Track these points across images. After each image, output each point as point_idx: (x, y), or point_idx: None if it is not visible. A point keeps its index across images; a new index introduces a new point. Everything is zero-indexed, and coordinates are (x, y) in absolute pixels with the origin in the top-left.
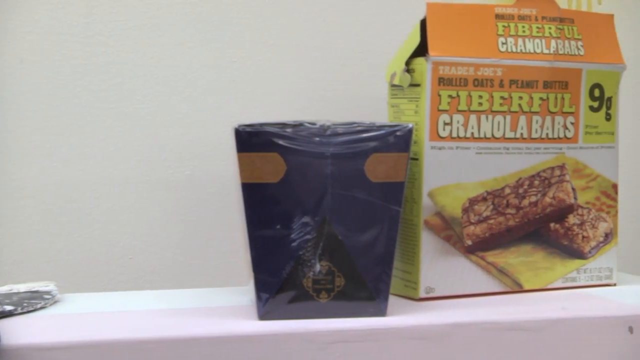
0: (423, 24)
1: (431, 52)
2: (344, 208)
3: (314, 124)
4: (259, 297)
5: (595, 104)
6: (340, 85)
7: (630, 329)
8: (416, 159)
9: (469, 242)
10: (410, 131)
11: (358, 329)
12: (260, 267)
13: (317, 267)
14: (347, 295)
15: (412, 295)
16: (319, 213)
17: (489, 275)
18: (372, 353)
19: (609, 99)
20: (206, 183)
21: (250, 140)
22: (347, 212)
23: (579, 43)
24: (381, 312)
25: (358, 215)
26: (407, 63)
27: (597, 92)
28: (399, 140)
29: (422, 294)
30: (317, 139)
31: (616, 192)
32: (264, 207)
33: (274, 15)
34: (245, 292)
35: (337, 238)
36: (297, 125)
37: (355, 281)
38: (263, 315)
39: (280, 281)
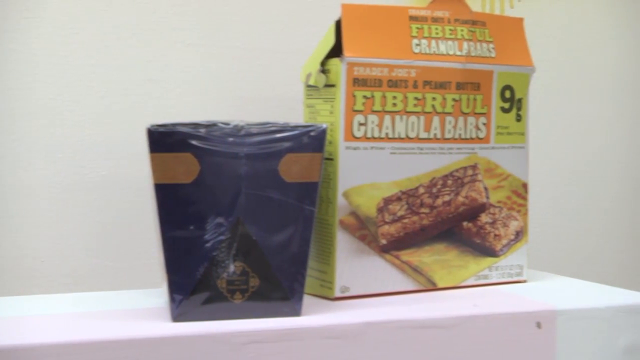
0: (338, 24)
1: (346, 53)
2: (258, 208)
3: (227, 124)
4: (172, 299)
5: (506, 105)
6: (256, 86)
7: (538, 324)
8: (331, 159)
9: (384, 242)
10: (324, 131)
11: (272, 329)
12: (174, 268)
13: (231, 267)
14: (262, 296)
15: (327, 295)
16: (233, 213)
17: (404, 274)
18: (287, 353)
19: (519, 100)
20: (122, 184)
21: (163, 140)
22: (262, 212)
23: (490, 45)
24: (296, 312)
25: (272, 215)
26: (323, 64)
27: (507, 94)
28: (313, 141)
29: (338, 293)
30: (231, 139)
31: (526, 191)
32: (177, 208)
33: (191, 15)
34: (159, 294)
35: (251, 238)
36: (211, 126)
37: (270, 281)
38: (177, 317)
39: (194, 282)
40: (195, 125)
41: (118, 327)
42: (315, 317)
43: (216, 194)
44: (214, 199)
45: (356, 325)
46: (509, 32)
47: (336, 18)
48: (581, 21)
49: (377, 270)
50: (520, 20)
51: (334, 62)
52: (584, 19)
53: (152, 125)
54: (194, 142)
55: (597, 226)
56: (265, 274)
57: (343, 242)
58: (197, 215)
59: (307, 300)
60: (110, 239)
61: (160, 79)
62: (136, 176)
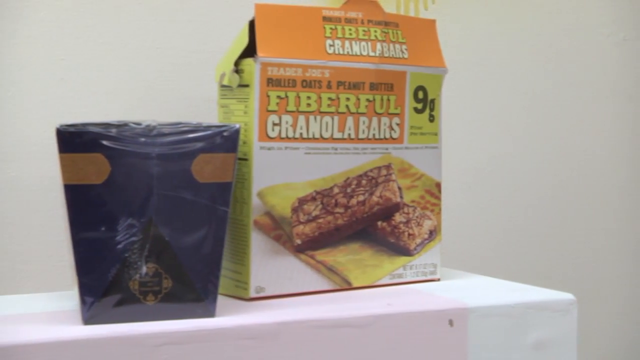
0: (252, 24)
1: (259, 53)
2: (170, 209)
3: (139, 124)
4: (83, 301)
5: (420, 106)
6: (170, 86)
7: (451, 322)
8: (245, 159)
9: (299, 242)
10: (237, 131)
11: (186, 331)
12: (85, 270)
13: (144, 269)
14: (175, 297)
15: (242, 295)
16: (145, 214)
17: (319, 273)
18: (201, 354)
19: (432, 101)
20: (32, 185)
21: (73, 140)
22: (174, 213)
23: (404, 47)
24: (210, 313)
25: (185, 216)
26: (236, 63)
27: (420, 94)
28: (226, 141)
29: (253, 294)
30: (143, 139)
31: (439, 191)
32: (87, 209)
33: (105, 13)
34: (70, 297)
35: (163, 239)
36: (122, 126)
37: (183, 283)
38: (88, 320)
39: (105, 284)
40: (106, 125)
41: (28, 330)
42: (230, 318)
43: (128, 195)
44: (125, 199)
45: (271, 326)
46: (421, 33)
47: (250, 18)
48: (495, 22)
49: (292, 271)
50: (433, 22)
51: (248, 62)
52: (498, 20)
53: (62, 125)
54: (104, 143)
55: (510, 225)
56: (178, 275)
57: (258, 243)
58: (108, 216)
59: (222, 301)
60: (20, 241)
61: (72, 78)
62: (47, 177)
